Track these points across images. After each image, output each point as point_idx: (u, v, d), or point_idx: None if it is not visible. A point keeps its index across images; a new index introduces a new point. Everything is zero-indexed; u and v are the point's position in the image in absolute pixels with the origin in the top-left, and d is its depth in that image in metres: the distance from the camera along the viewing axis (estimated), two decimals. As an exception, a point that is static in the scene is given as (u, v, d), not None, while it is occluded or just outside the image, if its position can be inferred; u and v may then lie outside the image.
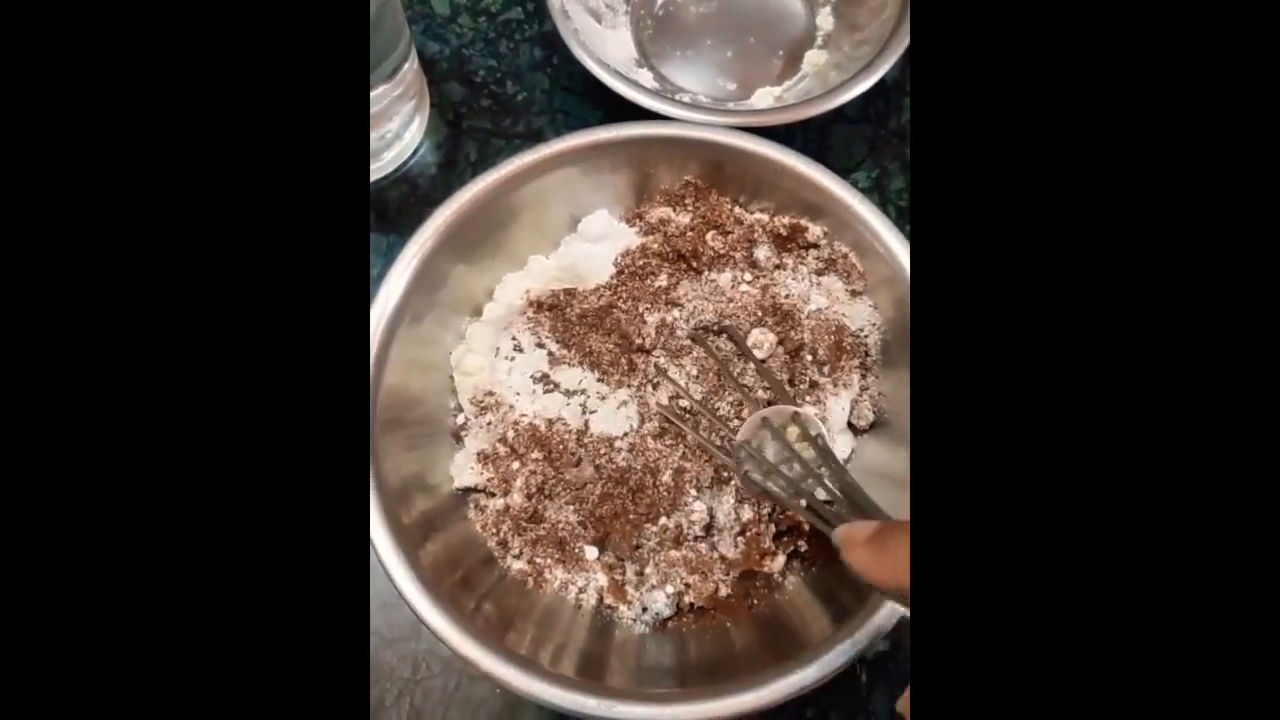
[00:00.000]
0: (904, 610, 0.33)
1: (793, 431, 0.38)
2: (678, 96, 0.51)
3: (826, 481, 0.35)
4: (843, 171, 0.52)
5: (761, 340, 0.41)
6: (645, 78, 0.52)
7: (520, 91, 0.54)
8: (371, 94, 0.45)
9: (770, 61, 0.54)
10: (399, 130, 0.50)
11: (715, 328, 0.42)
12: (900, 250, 0.41)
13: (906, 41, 0.48)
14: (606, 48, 0.52)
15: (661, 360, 0.41)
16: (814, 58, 0.54)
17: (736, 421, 0.40)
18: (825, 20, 0.55)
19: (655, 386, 0.41)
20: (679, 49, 0.55)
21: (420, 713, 0.42)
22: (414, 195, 0.51)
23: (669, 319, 0.42)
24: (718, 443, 0.39)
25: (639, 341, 0.42)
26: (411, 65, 0.48)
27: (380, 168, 0.51)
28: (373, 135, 0.48)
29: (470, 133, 0.53)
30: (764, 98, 0.52)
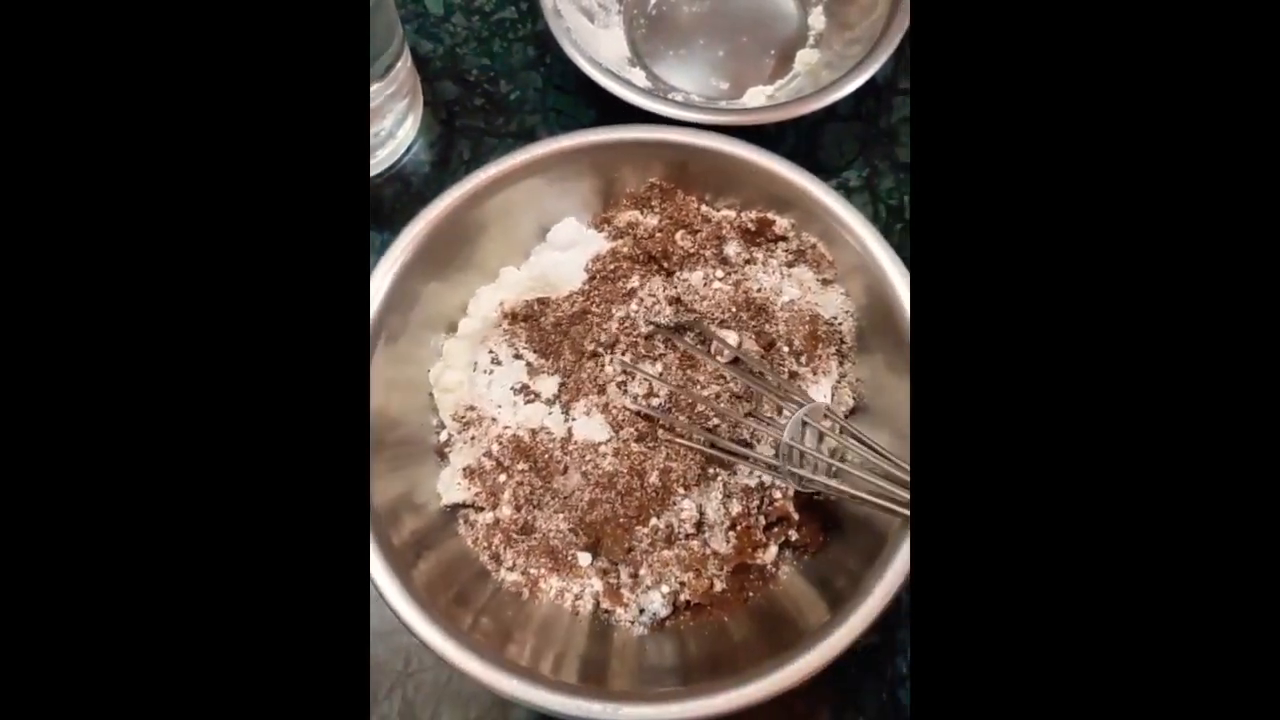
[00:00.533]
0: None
1: (825, 425, 0.38)
2: (670, 96, 0.52)
3: (883, 467, 0.35)
4: (834, 170, 0.52)
5: (726, 336, 0.41)
6: (638, 77, 0.53)
7: (513, 90, 0.55)
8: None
9: (762, 60, 0.55)
10: (392, 128, 0.50)
11: (681, 325, 0.42)
12: (867, 236, 0.41)
13: (897, 41, 0.49)
14: (599, 47, 0.52)
15: (627, 358, 0.41)
16: (806, 57, 0.54)
17: (716, 419, 0.40)
18: (817, 20, 0.56)
19: (623, 387, 0.41)
20: (672, 48, 0.55)
21: (412, 706, 0.41)
22: (408, 193, 0.52)
23: (631, 312, 0.42)
24: (700, 439, 0.39)
25: (590, 348, 0.42)
26: (405, 63, 0.48)
27: (374, 165, 0.51)
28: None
29: (464, 131, 0.53)
30: (756, 96, 0.53)
